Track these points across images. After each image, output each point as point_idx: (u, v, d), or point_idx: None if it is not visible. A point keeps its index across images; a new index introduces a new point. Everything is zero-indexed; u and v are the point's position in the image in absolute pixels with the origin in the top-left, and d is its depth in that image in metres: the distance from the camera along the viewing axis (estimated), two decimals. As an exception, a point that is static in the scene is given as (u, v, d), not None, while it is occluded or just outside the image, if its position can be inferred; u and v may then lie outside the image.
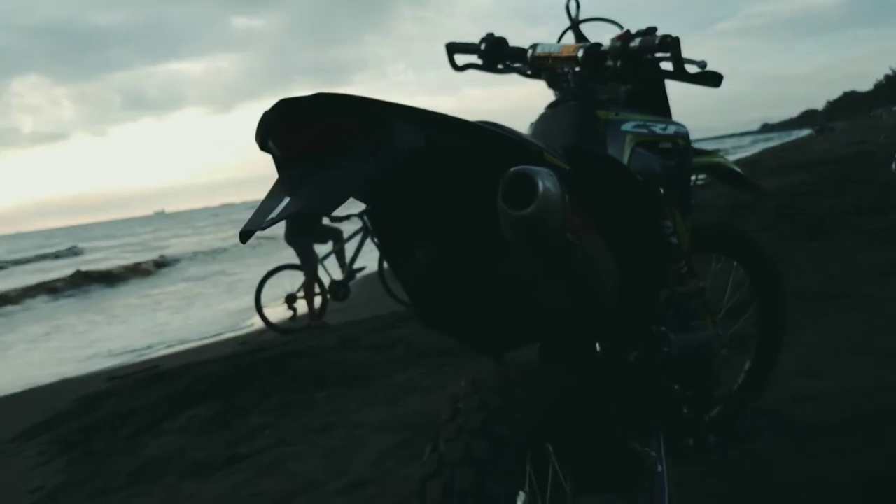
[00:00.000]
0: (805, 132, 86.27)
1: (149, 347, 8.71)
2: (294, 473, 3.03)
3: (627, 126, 1.80)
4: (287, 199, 0.97)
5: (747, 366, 2.60)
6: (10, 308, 16.97)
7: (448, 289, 1.40)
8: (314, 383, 4.49)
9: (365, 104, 1.00)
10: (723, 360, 2.11)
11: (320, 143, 1.00)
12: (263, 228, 0.95)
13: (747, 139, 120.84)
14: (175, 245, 34.57)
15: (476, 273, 1.35)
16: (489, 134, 1.17)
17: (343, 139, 1.00)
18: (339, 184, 0.98)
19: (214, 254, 25.94)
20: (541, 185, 1.08)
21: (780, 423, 2.56)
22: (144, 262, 23.86)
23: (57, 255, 39.56)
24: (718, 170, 2.27)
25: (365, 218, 7.69)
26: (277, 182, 1.03)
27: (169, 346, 8.57)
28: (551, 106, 1.88)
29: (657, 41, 1.70)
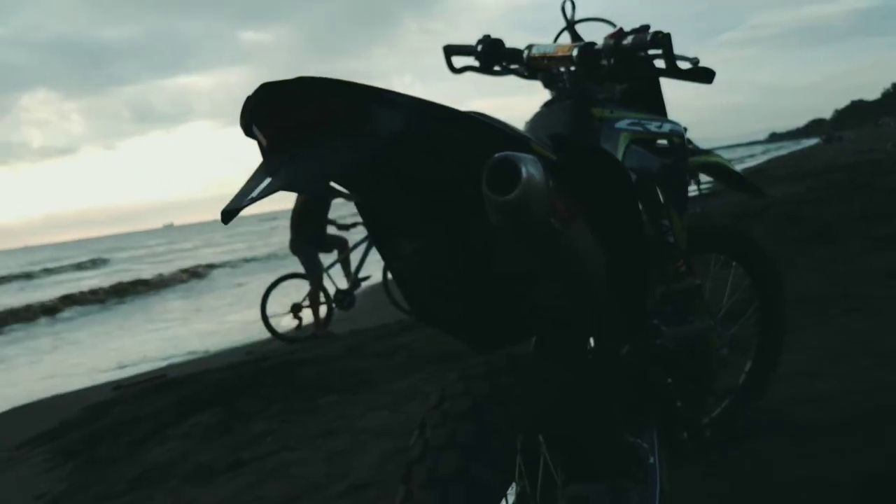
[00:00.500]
0: (813, 141, 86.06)
1: (208, 351, 8.71)
2: (296, 477, 3.04)
3: (622, 124, 1.81)
4: (268, 180, 0.97)
5: (748, 366, 2.59)
6: (43, 318, 17.19)
7: (439, 282, 1.41)
8: (318, 390, 4.49)
9: (348, 88, 1.01)
10: (723, 359, 2.11)
11: (304, 127, 1.01)
12: (244, 206, 0.96)
13: (759, 148, 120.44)
14: (195, 256, 34.73)
15: (467, 266, 1.36)
16: (474, 121, 1.18)
17: (326, 123, 1.00)
18: (321, 165, 0.99)
19: (233, 265, 25.92)
20: (524, 170, 1.08)
21: (780, 423, 2.55)
22: (174, 273, 24.04)
23: (82, 266, 40.27)
24: (716, 169, 2.27)
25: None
26: (261, 165, 1.04)
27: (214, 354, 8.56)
28: (547, 104, 1.89)
29: (649, 37, 1.71)
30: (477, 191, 1.11)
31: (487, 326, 1.51)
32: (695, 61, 1.73)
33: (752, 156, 65.64)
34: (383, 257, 1.44)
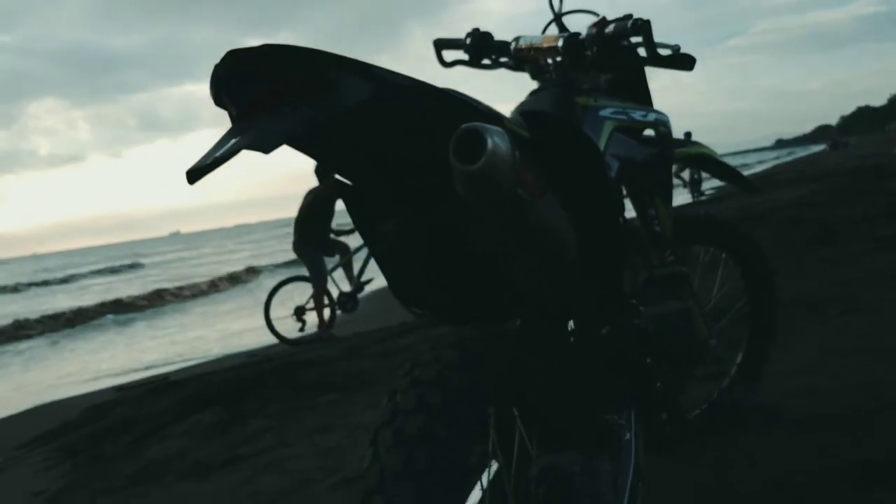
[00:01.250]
0: (820, 147, 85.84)
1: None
2: (291, 472, 3.06)
3: (606, 112, 1.82)
4: (234, 140, 0.98)
5: (739, 358, 2.59)
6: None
7: (418, 263, 1.42)
8: (318, 390, 4.51)
9: (314, 56, 1.03)
10: (712, 350, 2.11)
11: (272, 95, 1.02)
12: (210, 166, 0.96)
13: (771, 154, 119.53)
14: (224, 261, 34.65)
15: (444, 245, 1.36)
16: (444, 95, 1.19)
17: (294, 90, 1.02)
18: (286, 126, 1.00)
19: (272, 268, 25.45)
20: (490, 141, 1.09)
21: (777, 418, 2.54)
22: (222, 276, 23.77)
23: (117, 270, 41.02)
24: (704, 160, 2.27)
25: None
26: (229, 129, 1.05)
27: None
28: (532, 94, 1.91)
29: (629, 25, 1.73)
30: (449, 166, 1.13)
31: (468, 307, 1.51)
32: (675, 48, 1.74)
33: (762, 161, 65.46)
34: (365, 241, 1.46)
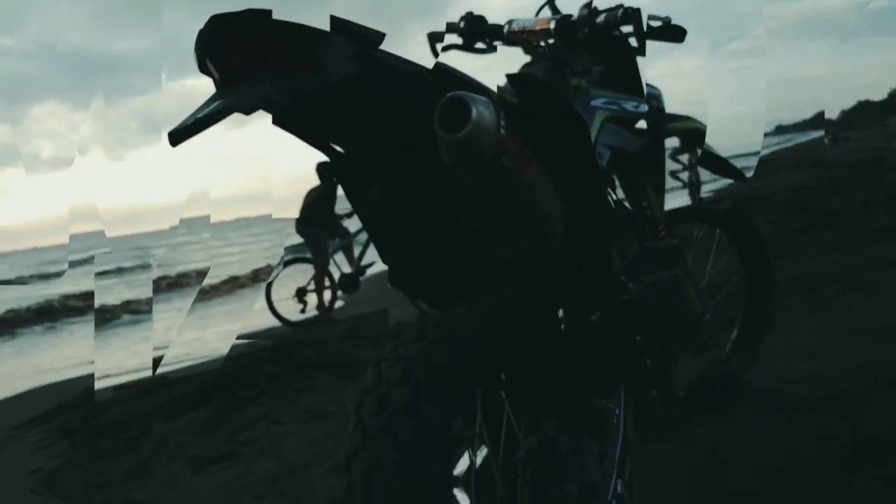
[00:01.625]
0: (819, 133, 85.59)
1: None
2: (286, 457, 3.07)
3: (597, 102, 1.82)
4: (216, 103, 0.99)
5: (734, 335, 2.58)
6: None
7: (410, 245, 1.41)
8: (315, 373, 4.52)
9: (299, 29, 1.03)
10: (706, 326, 2.09)
11: (255, 60, 1.02)
12: (191, 127, 0.96)
13: (773, 139, 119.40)
14: (233, 252, 34.57)
15: (436, 226, 1.36)
16: (430, 71, 1.18)
17: (278, 61, 1.02)
18: (268, 92, 1.00)
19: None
20: (474, 109, 1.08)
21: (776, 400, 2.52)
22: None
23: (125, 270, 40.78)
24: (695, 136, 2.26)
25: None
26: (213, 95, 1.05)
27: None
28: (525, 66, 1.91)
29: (619, 14, 1.73)
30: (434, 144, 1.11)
31: (458, 290, 1.48)
32: (666, 20, 1.74)
33: (766, 147, 65.31)
34: (353, 207, 1.44)
